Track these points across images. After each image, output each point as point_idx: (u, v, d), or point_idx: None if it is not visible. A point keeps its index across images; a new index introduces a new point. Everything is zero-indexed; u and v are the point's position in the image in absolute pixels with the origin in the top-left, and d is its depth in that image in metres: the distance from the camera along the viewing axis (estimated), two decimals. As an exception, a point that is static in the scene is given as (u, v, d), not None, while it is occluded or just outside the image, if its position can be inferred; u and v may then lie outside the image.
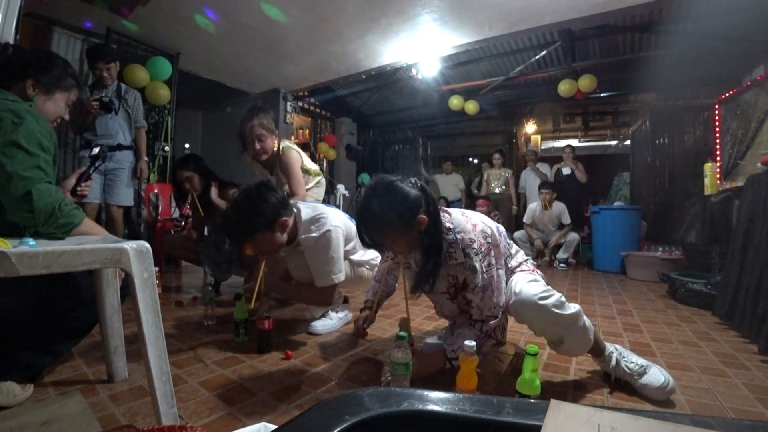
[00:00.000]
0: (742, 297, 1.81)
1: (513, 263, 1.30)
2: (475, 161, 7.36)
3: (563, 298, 1.11)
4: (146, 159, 2.91)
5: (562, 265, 4.01)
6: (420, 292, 1.24)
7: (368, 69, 4.16)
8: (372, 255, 1.78)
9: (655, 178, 4.65)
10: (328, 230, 1.50)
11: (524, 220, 4.40)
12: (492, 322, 1.17)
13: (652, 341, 1.65)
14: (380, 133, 7.37)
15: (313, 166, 2.31)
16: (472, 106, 5.43)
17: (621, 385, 1.17)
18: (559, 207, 4.17)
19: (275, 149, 2.14)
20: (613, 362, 1.17)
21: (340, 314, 1.80)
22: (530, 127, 6.49)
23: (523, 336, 1.67)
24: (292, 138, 5.70)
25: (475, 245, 1.15)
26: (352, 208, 5.33)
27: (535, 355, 0.90)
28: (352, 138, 6.67)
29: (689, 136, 4.31)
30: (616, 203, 4.68)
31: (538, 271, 1.29)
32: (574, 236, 4.07)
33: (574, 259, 4.21)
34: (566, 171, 4.74)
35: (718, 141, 3.15)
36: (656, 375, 1.10)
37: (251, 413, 0.99)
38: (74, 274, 1.05)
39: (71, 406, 1.00)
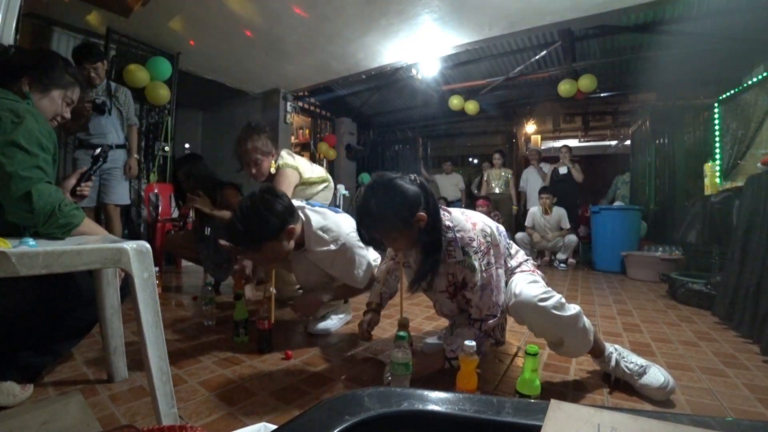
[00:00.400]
0: (742, 297, 1.81)
1: (513, 263, 1.30)
2: (475, 161, 7.36)
3: (563, 300, 1.11)
4: (137, 156, 2.85)
5: (562, 265, 4.02)
6: (418, 288, 1.24)
7: (368, 69, 4.16)
8: (374, 256, 1.78)
9: (655, 178, 4.65)
10: (344, 244, 1.49)
11: (525, 224, 4.44)
12: (491, 321, 1.17)
13: (652, 341, 1.65)
14: (380, 133, 7.36)
15: (316, 174, 2.23)
16: (472, 106, 5.43)
17: (621, 385, 1.17)
18: (559, 212, 4.20)
19: (272, 170, 2.07)
20: (613, 362, 1.17)
21: (340, 315, 1.80)
22: (530, 127, 6.50)
23: (523, 336, 1.67)
24: (292, 138, 5.70)
25: (475, 244, 1.15)
26: (352, 207, 5.33)
27: (535, 355, 0.90)
28: (352, 138, 6.67)
29: (689, 136, 4.30)
30: (616, 203, 4.68)
31: (539, 272, 1.29)
32: (572, 238, 4.08)
33: (574, 259, 4.22)
34: (563, 170, 4.75)
35: (718, 141, 3.15)
36: (656, 375, 1.10)
37: (251, 413, 0.99)
38: (74, 274, 1.05)
39: (71, 406, 1.00)
